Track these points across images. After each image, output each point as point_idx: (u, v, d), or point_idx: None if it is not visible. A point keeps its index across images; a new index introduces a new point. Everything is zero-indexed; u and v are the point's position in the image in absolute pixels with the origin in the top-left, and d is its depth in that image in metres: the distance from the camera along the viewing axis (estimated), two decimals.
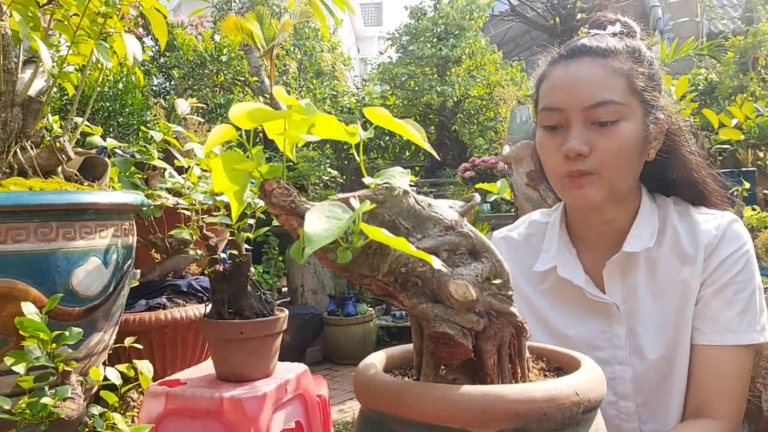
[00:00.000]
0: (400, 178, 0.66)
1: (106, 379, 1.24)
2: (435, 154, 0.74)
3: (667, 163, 1.15)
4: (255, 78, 7.80)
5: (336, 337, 5.32)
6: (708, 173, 1.18)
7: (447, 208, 0.67)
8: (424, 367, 0.70)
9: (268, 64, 8.15)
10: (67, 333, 1.03)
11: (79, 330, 1.06)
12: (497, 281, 0.65)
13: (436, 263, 0.56)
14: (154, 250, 2.12)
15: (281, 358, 1.72)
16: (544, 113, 1.11)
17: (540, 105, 1.12)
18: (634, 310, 1.14)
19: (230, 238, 1.48)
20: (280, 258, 5.45)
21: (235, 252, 1.49)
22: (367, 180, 0.66)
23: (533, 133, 1.18)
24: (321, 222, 0.55)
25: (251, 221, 1.50)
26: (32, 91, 1.49)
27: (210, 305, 1.54)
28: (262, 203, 1.50)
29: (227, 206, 1.52)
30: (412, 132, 0.66)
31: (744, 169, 3.43)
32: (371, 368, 0.70)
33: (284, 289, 5.83)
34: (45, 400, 0.93)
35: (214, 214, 1.45)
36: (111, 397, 1.12)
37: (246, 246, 1.52)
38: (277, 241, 5.39)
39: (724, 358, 1.07)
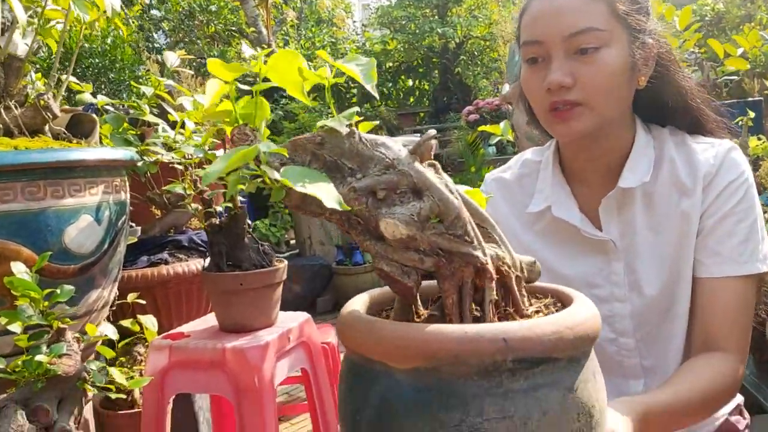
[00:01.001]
0: (343, 121, 0.66)
1: (112, 337, 1.25)
2: (377, 95, 0.74)
3: (660, 91, 1.10)
4: (252, 29, 7.69)
5: (345, 286, 5.37)
6: (703, 99, 1.13)
7: (397, 147, 0.66)
8: (396, 304, 0.71)
9: (264, 13, 8.02)
10: (58, 291, 1.03)
11: (71, 287, 1.06)
12: (442, 220, 0.63)
13: (328, 202, 0.58)
14: (154, 207, 2.13)
15: (293, 308, 1.73)
16: (525, 47, 1.07)
17: (521, 39, 1.09)
18: (631, 246, 1.12)
19: (224, 191, 1.47)
20: (287, 211, 5.46)
21: (229, 204, 1.48)
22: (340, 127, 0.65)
23: (519, 71, 1.14)
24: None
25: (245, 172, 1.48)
26: (20, 52, 1.46)
27: (209, 259, 1.54)
28: None
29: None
30: (354, 70, 0.69)
31: (750, 99, 3.35)
32: (349, 308, 0.70)
33: (292, 242, 5.86)
34: (39, 357, 0.93)
35: (206, 167, 1.43)
36: (108, 352, 1.13)
37: (240, 198, 1.50)
38: (283, 194, 5.38)
39: (728, 290, 1.05)
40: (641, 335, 1.13)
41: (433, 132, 0.70)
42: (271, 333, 1.48)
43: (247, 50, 0.87)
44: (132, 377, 1.82)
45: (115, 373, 1.11)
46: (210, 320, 1.63)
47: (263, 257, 1.51)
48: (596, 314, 0.65)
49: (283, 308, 1.61)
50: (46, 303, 1.01)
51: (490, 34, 7.62)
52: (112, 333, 1.16)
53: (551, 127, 1.08)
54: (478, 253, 0.64)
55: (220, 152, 1.50)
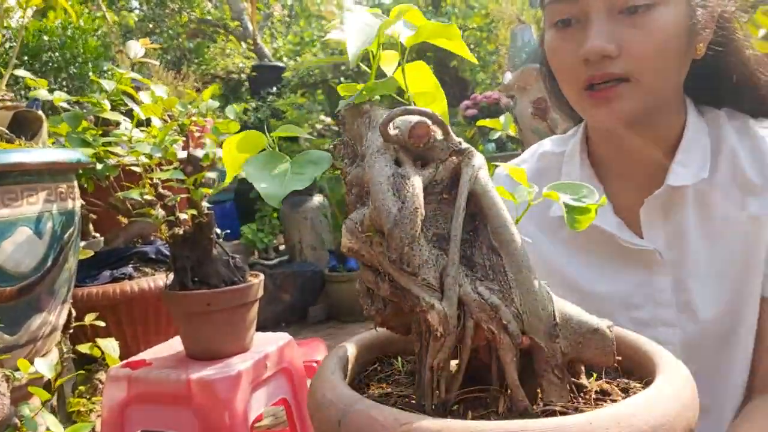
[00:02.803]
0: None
1: (47, 375, 1.09)
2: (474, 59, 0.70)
3: (721, 62, 0.90)
4: (237, 22, 7.53)
5: (339, 294, 5.20)
6: (765, 70, 0.95)
7: (377, 133, 0.54)
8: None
9: (250, 7, 7.86)
10: None
11: None
12: (380, 235, 0.50)
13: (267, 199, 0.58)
14: (120, 215, 1.97)
15: (283, 320, 1.57)
16: (553, 6, 0.88)
17: None
18: (682, 258, 0.93)
19: (187, 195, 1.31)
20: (275, 215, 5.30)
21: (194, 212, 1.32)
22: None
23: (537, 51, 0.96)
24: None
25: (211, 175, 1.33)
26: None
27: (171, 275, 1.39)
28: (221, 153, 1.33)
29: (191, 156, 1.34)
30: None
31: None
32: (324, 370, 0.54)
33: (282, 247, 5.69)
34: None
35: (165, 168, 1.28)
36: (43, 395, 0.97)
37: (206, 204, 1.34)
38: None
39: None
40: (694, 369, 0.96)
41: (423, 117, 0.55)
42: (245, 360, 1.33)
43: None
44: (91, 409, 1.66)
45: (51, 420, 0.95)
46: (176, 345, 1.48)
47: (234, 272, 1.36)
48: (689, 403, 0.48)
49: (272, 320, 1.46)
50: None
51: (487, 24, 7.46)
52: (46, 369, 1.00)
53: (588, 110, 0.89)
54: (425, 296, 0.49)
55: (178, 149, 1.34)
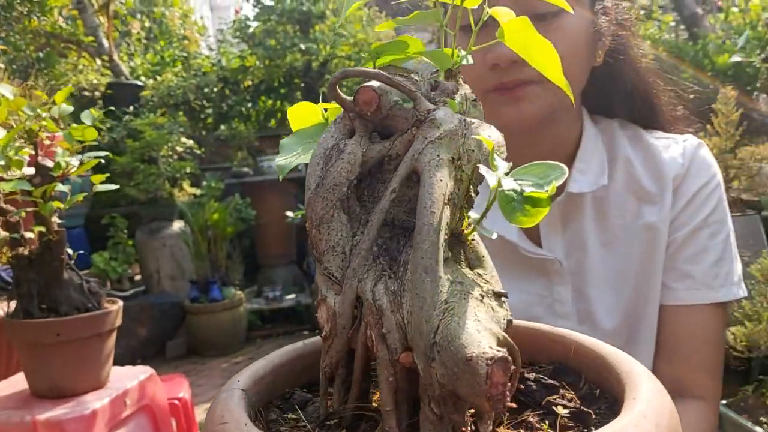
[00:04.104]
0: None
1: None
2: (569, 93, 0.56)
3: (616, 69, 0.93)
4: (91, 38, 7.13)
5: (201, 327, 4.97)
6: (656, 80, 0.98)
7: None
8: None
9: (106, 23, 7.48)
10: None
11: None
12: None
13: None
14: None
15: (139, 356, 1.44)
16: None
17: None
18: (581, 267, 0.95)
19: (34, 209, 1.17)
20: (130, 242, 4.99)
21: (42, 229, 1.18)
22: None
23: None
24: None
25: (63, 188, 1.19)
26: None
27: (14, 301, 1.23)
28: (76, 164, 1.20)
29: (41, 165, 1.20)
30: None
31: None
32: (222, 405, 0.46)
33: (137, 278, 5.37)
34: None
35: (8, 178, 1.13)
36: None
37: (57, 220, 1.21)
38: (125, 223, 4.92)
39: (700, 321, 0.91)
40: None
41: (375, 79, 0.48)
42: (101, 398, 1.20)
43: None
44: None
45: None
46: (19, 382, 1.31)
47: (89, 298, 1.23)
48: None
49: (124, 358, 1.33)
50: None
51: (356, 53, 7.57)
52: None
53: (496, 109, 0.88)
54: (322, 288, 0.45)
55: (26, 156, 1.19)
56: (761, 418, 1.44)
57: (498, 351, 0.38)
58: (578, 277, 0.95)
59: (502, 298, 0.47)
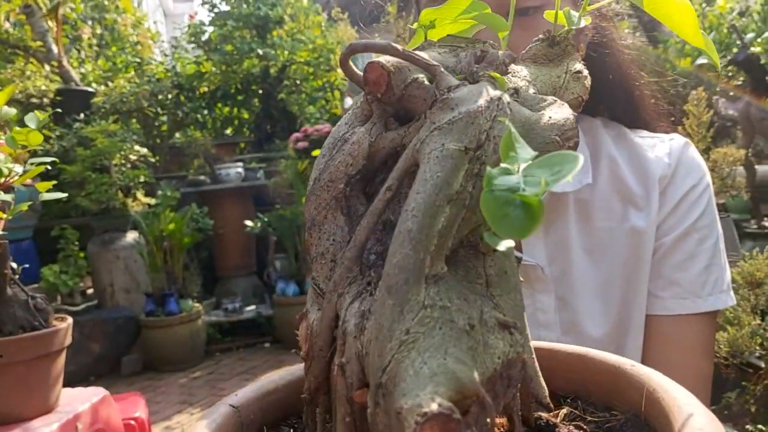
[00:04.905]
0: None
1: None
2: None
3: (598, 62, 0.89)
4: (39, 43, 6.93)
5: (157, 341, 4.83)
6: (639, 72, 0.95)
7: None
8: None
9: (55, 27, 7.28)
10: None
11: None
12: None
13: None
14: None
15: (93, 374, 1.35)
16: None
17: None
18: (565, 274, 0.90)
19: None
20: (81, 254, 4.82)
21: None
22: None
23: None
24: None
25: (6, 197, 1.11)
26: None
27: None
28: (20, 170, 1.12)
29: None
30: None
31: None
32: None
33: (90, 291, 5.20)
34: None
35: None
36: None
37: (0, 232, 1.12)
38: (76, 235, 4.75)
39: (689, 332, 0.87)
40: None
41: (384, 53, 0.40)
42: (50, 423, 1.11)
43: None
44: None
45: None
46: None
47: (35, 315, 1.14)
48: None
49: (77, 375, 1.25)
50: None
51: (315, 59, 7.50)
52: None
53: None
54: (308, 301, 0.40)
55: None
56: (747, 426, 1.42)
57: (438, 406, 0.29)
58: (562, 285, 0.91)
59: (512, 330, 0.37)
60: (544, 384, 0.40)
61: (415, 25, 0.47)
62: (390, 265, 0.34)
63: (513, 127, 0.32)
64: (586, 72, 0.47)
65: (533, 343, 0.42)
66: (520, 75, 0.46)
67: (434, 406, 0.29)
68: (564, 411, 0.45)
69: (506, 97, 0.38)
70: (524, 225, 0.32)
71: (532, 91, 0.44)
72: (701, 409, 0.36)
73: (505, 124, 0.33)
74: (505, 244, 0.33)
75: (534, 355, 0.40)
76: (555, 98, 0.42)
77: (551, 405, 0.40)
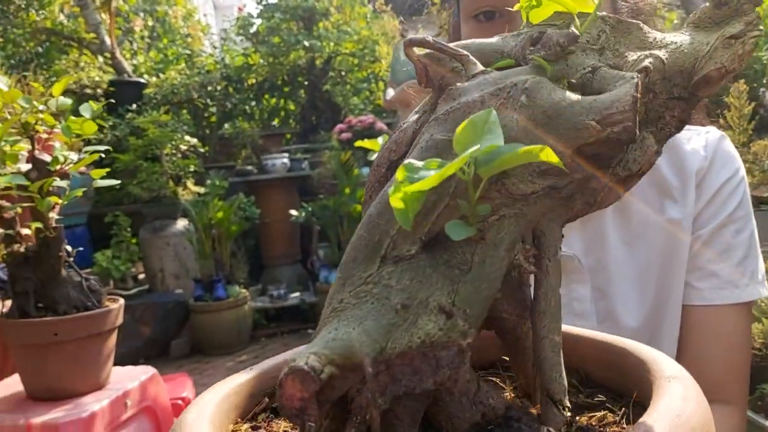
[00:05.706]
0: None
1: None
2: None
3: None
4: (93, 35, 7.10)
5: (205, 326, 4.94)
6: None
7: None
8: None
9: (108, 20, 7.45)
10: None
11: None
12: None
13: None
14: None
15: (142, 356, 1.40)
16: None
17: None
18: (601, 265, 0.90)
19: (31, 205, 1.13)
20: (134, 240, 4.96)
21: (39, 225, 1.14)
22: None
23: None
24: None
25: (62, 183, 1.15)
26: None
27: (10, 301, 1.19)
28: (75, 158, 1.16)
29: (37, 159, 1.16)
30: None
31: None
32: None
33: (141, 276, 5.34)
34: None
35: (2, 173, 1.09)
36: None
37: (55, 216, 1.17)
38: (128, 221, 4.89)
39: (727, 322, 0.87)
40: None
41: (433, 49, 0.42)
42: (100, 399, 1.16)
43: None
44: None
45: None
46: (14, 384, 1.27)
47: (89, 296, 1.19)
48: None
49: (127, 358, 1.29)
50: None
51: (360, 50, 7.52)
52: None
53: None
54: None
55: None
56: None
57: (305, 364, 0.33)
58: (598, 275, 0.91)
59: (452, 315, 0.37)
60: (562, 379, 0.41)
61: (516, 7, 0.45)
62: (349, 245, 0.38)
63: (517, 115, 0.33)
64: (749, 36, 0.41)
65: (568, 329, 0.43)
66: (662, 43, 0.43)
67: (301, 363, 0.33)
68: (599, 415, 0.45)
69: (526, 84, 0.38)
70: (402, 217, 0.35)
71: (648, 62, 0.41)
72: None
73: (492, 115, 0.33)
74: (461, 234, 0.36)
75: (547, 352, 0.41)
76: (634, 74, 0.39)
77: (565, 402, 0.40)
